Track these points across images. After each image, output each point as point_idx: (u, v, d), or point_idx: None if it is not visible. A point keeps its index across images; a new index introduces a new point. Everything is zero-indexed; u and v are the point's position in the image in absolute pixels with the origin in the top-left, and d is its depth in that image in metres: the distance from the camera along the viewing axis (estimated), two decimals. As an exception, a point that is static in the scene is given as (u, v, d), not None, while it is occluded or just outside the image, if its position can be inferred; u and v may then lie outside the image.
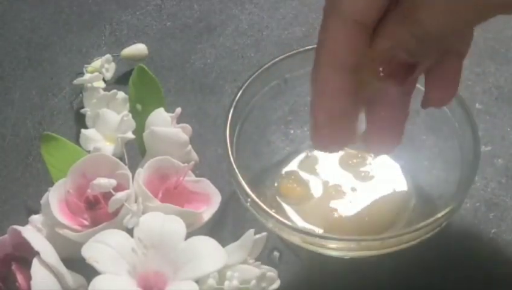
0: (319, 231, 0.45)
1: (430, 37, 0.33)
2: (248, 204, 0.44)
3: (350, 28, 0.34)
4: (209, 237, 0.40)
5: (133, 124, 0.48)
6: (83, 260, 0.38)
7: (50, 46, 0.60)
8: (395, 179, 0.49)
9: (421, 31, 0.33)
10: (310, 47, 0.49)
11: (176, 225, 0.41)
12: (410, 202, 0.48)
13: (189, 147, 0.47)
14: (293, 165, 0.50)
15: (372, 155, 0.50)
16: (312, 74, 0.35)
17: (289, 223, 0.43)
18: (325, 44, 0.35)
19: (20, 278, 0.40)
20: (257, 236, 0.41)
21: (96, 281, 0.38)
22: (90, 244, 0.39)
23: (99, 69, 0.56)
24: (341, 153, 0.50)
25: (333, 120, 0.36)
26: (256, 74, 0.48)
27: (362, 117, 0.38)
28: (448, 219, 0.43)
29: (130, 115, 0.48)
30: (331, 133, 0.36)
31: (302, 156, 0.50)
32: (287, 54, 0.48)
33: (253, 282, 0.39)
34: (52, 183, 0.44)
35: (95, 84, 0.54)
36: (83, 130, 0.50)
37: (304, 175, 0.49)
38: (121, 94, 0.51)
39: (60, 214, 0.42)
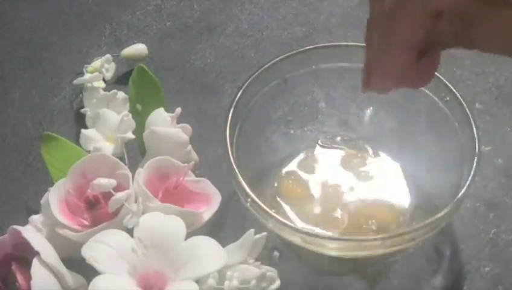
0: (319, 230, 0.45)
1: None
2: (248, 204, 0.44)
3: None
4: (209, 237, 0.40)
5: (133, 124, 0.48)
6: (83, 260, 0.38)
7: (50, 46, 0.60)
8: (395, 178, 0.49)
9: None
10: (310, 47, 0.49)
11: (176, 225, 0.41)
12: (410, 201, 0.48)
13: (189, 147, 0.47)
14: (293, 165, 0.50)
15: (372, 155, 0.50)
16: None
17: (289, 223, 0.43)
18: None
19: (20, 278, 0.40)
20: (257, 236, 0.41)
21: (96, 281, 0.38)
22: (90, 244, 0.39)
23: (99, 69, 0.56)
24: (341, 153, 0.50)
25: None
26: (256, 74, 0.48)
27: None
28: (448, 218, 0.43)
29: (130, 115, 0.48)
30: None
31: (302, 156, 0.50)
32: (287, 54, 0.48)
33: (253, 282, 0.39)
34: (52, 183, 0.44)
35: (95, 84, 0.54)
36: (83, 130, 0.50)
37: (304, 175, 0.49)
38: (121, 94, 0.51)
39: (60, 214, 0.42)
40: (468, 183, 0.44)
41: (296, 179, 0.49)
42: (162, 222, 0.41)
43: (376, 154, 0.50)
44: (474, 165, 0.44)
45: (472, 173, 0.44)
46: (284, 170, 0.50)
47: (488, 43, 0.37)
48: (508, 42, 0.36)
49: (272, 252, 0.46)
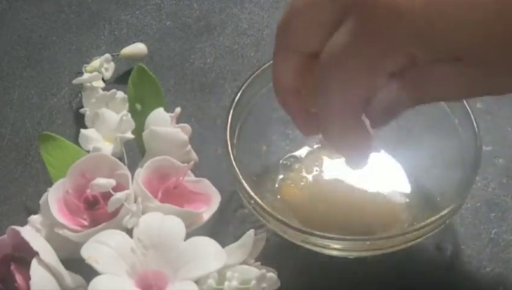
0: (320, 231, 0.45)
1: None
2: (249, 204, 0.44)
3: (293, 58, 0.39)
4: (209, 237, 0.40)
5: (132, 123, 0.48)
6: (82, 260, 0.38)
7: (49, 46, 0.60)
8: (395, 178, 0.49)
9: None
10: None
11: (175, 225, 0.41)
12: (411, 201, 0.48)
13: (189, 146, 0.47)
14: (293, 165, 0.50)
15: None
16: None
17: (290, 223, 0.43)
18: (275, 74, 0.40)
19: (19, 278, 0.40)
20: (257, 236, 0.41)
21: (96, 282, 0.38)
22: (90, 244, 0.39)
23: (98, 69, 0.56)
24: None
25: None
26: (256, 73, 0.48)
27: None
28: (449, 218, 0.43)
29: (130, 115, 0.48)
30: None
31: (302, 156, 0.50)
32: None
33: (253, 282, 0.39)
34: (51, 183, 0.44)
35: (94, 83, 0.54)
36: (82, 130, 0.50)
37: (304, 175, 0.49)
38: (120, 94, 0.51)
39: (59, 214, 0.42)
40: (469, 183, 0.44)
41: (296, 178, 0.49)
42: (161, 222, 0.41)
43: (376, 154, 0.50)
44: (475, 165, 0.44)
45: (473, 172, 0.44)
46: (284, 170, 0.49)
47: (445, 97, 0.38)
48: (462, 91, 0.36)
49: (272, 252, 0.46)
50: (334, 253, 0.43)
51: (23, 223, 0.43)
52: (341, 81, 0.36)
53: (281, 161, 0.50)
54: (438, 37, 0.33)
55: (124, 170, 0.43)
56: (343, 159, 0.50)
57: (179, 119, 0.48)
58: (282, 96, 0.41)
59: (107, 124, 0.49)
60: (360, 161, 0.40)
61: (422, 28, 0.33)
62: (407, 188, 0.48)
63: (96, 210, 0.42)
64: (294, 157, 0.50)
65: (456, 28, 0.33)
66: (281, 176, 0.49)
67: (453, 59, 0.34)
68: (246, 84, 0.47)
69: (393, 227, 0.46)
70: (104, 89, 0.53)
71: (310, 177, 0.49)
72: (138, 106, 0.49)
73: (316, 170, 0.49)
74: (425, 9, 0.33)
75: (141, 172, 0.43)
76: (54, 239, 0.41)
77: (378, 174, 0.49)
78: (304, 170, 0.49)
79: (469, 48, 0.33)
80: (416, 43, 0.34)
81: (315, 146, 0.50)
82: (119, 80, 0.57)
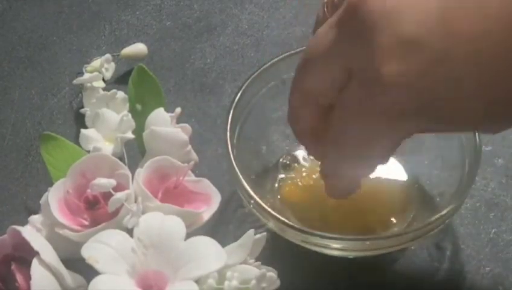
0: (320, 231, 0.45)
1: None
2: (249, 204, 0.44)
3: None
4: (209, 237, 0.40)
5: (132, 124, 0.48)
6: (82, 260, 0.38)
7: (49, 46, 0.60)
8: (396, 178, 0.49)
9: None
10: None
11: (175, 225, 0.41)
12: (410, 201, 0.48)
13: (189, 146, 0.47)
14: (293, 165, 0.50)
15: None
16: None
17: (290, 223, 0.43)
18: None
19: (19, 278, 0.40)
20: (257, 236, 0.41)
21: (96, 281, 0.38)
22: (90, 244, 0.39)
23: (98, 69, 0.56)
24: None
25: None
26: (256, 73, 0.48)
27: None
28: (448, 218, 0.43)
29: (130, 115, 0.48)
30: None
31: (302, 156, 0.50)
32: (287, 54, 0.48)
33: (253, 282, 0.39)
34: (51, 183, 0.44)
35: (95, 84, 0.54)
36: (82, 130, 0.50)
37: (304, 175, 0.49)
38: (120, 94, 0.51)
39: (59, 214, 0.42)
40: (468, 183, 0.44)
41: (296, 178, 0.49)
42: (161, 222, 0.41)
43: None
44: (475, 165, 0.44)
45: (473, 172, 0.44)
46: (284, 170, 0.50)
47: None
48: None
49: (272, 252, 0.46)
50: (334, 253, 0.43)
51: (24, 223, 0.43)
52: (351, 142, 0.37)
53: (280, 161, 0.50)
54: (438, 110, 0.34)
55: (124, 170, 0.43)
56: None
57: (179, 119, 0.48)
58: (299, 135, 0.42)
59: (107, 124, 0.49)
60: (343, 194, 0.43)
61: (422, 100, 0.34)
62: (407, 188, 0.48)
63: (97, 210, 0.42)
64: (294, 157, 0.50)
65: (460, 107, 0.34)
66: (280, 176, 0.49)
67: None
68: (246, 84, 0.47)
69: (393, 227, 0.46)
70: (104, 89, 0.53)
71: (309, 177, 0.49)
72: (138, 106, 0.49)
73: (316, 170, 0.49)
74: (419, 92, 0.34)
75: (141, 172, 0.43)
76: (54, 239, 0.41)
77: (378, 174, 0.49)
78: (303, 170, 0.49)
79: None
80: (417, 118, 0.35)
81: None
82: (120, 80, 0.57)
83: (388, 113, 0.35)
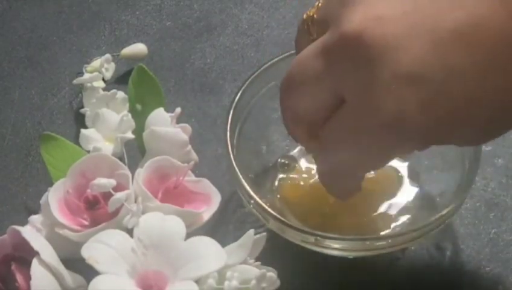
0: (320, 231, 0.45)
1: None
2: (249, 204, 0.44)
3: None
4: (209, 237, 0.40)
5: (132, 124, 0.48)
6: (82, 260, 0.38)
7: (49, 46, 0.60)
8: (396, 178, 0.49)
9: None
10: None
11: (175, 225, 0.41)
12: (410, 201, 0.48)
13: (189, 147, 0.47)
14: (293, 165, 0.50)
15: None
16: None
17: (290, 223, 0.43)
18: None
19: (19, 278, 0.40)
20: (257, 236, 0.41)
21: (96, 281, 0.38)
22: (90, 244, 0.39)
23: (98, 69, 0.56)
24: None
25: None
26: (256, 73, 0.48)
27: None
28: (448, 218, 0.43)
29: (130, 115, 0.48)
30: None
31: (302, 155, 0.50)
32: (287, 54, 0.48)
33: (253, 282, 0.39)
34: (51, 183, 0.44)
35: (95, 84, 0.54)
36: (82, 130, 0.50)
37: (304, 175, 0.49)
38: (120, 94, 0.51)
39: (59, 214, 0.42)
40: (468, 183, 0.44)
41: (296, 178, 0.49)
42: (161, 222, 0.41)
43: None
44: (475, 164, 0.44)
45: (473, 172, 0.44)
46: (284, 170, 0.50)
47: None
48: None
49: (272, 252, 0.46)
50: (334, 253, 0.43)
51: (24, 223, 0.43)
52: (342, 160, 0.39)
53: (280, 160, 0.50)
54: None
55: (124, 170, 0.43)
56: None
57: (179, 119, 0.48)
58: (299, 142, 0.43)
59: (107, 124, 0.49)
60: (346, 196, 0.43)
61: (417, 132, 0.35)
62: (407, 188, 0.48)
63: (97, 210, 0.42)
64: (294, 156, 0.50)
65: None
66: (280, 176, 0.49)
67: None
68: (246, 84, 0.47)
69: (393, 227, 0.46)
70: (104, 89, 0.53)
71: (309, 176, 0.49)
72: (138, 106, 0.49)
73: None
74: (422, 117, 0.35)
75: (141, 172, 0.43)
76: (54, 239, 0.41)
77: (379, 174, 0.49)
78: (303, 170, 0.49)
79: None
80: (411, 146, 0.37)
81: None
82: (120, 80, 0.57)
83: (382, 143, 0.36)
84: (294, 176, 0.49)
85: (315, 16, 0.39)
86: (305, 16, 0.41)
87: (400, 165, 0.49)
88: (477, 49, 0.33)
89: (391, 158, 0.39)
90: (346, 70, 0.35)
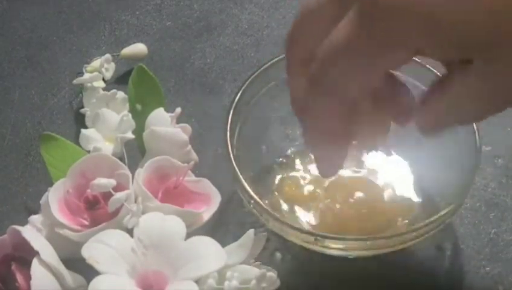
0: (320, 230, 0.45)
1: None
2: (249, 204, 0.44)
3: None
4: (209, 237, 0.40)
5: (132, 124, 0.48)
6: (82, 260, 0.38)
7: (50, 46, 0.60)
8: (396, 177, 0.49)
9: None
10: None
11: (175, 225, 0.41)
12: (410, 201, 0.48)
13: (189, 147, 0.47)
14: (293, 165, 0.50)
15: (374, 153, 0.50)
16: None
17: (290, 223, 0.43)
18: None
19: (19, 278, 0.40)
20: (257, 236, 0.41)
21: (96, 281, 0.38)
22: (90, 244, 0.39)
23: (98, 69, 0.56)
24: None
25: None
26: (256, 73, 0.48)
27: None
28: (448, 218, 0.43)
29: (130, 115, 0.48)
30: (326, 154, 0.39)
31: (302, 155, 0.50)
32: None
33: (253, 282, 0.39)
34: (51, 183, 0.44)
35: (95, 84, 0.54)
36: (82, 130, 0.50)
37: (305, 174, 0.49)
38: (120, 94, 0.51)
39: (59, 214, 0.42)
40: (468, 183, 0.44)
41: (297, 178, 0.49)
42: (161, 222, 0.41)
43: (378, 153, 0.50)
44: (475, 164, 0.44)
45: (473, 172, 0.44)
46: (284, 170, 0.50)
47: None
48: None
49: (272, 252, 0.46)
50: (334, 253, 0.43)
51: (24, 223, 0.43)
52: (335, 77, 0.34)
53: (280, 160, 0.50)
54: (446, 31, 0.32)
55: (125, 170, 0.43)
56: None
57: (179, 119, 0.48)
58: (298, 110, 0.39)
59: (107, 124, 0.50)
60: (330, 170, 0.40)
61: (428, 21, 0.32)
62: (407, 188, 0.48)
63: (97, 210, 0.42)
64: (294, 156, 0.50)
65: (465, 21, 0.31)
66: (280, 176, 0.49)
67: (465, 62, 0.33)
68: (246, 84, 0.47)
69: (393, 227, 0.46)
70: (104, 89, 0.53)
71: (310, 176, 0.49)
72: (138, 106, 0.49)
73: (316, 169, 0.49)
74: (433, 1, 0.31)
75: (141, 172, 0.43)
76: (54, 239, 0.41)
77: (379, 174, 0.49)
78: (304, 170, 0.49)
79: (479, 41, 0.32)
80: (422, 39, 0.32)
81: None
82: (120, 80, 0.57)
83: (382, 39, 0.33)
84: (294, 175, 0.49)
85: None
86: None
87: (400, 167, 0.49)
88: None
89: (378, 71, 0.34)
90: None
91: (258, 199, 0.43)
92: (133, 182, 0.43)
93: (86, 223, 0.43)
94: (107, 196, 0.41)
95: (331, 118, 0.36)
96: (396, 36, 0.33)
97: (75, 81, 0.54)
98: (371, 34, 0.33)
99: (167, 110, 0.48)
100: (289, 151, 0.50)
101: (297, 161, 0.50)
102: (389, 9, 0.32)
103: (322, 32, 0.35)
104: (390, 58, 0.34)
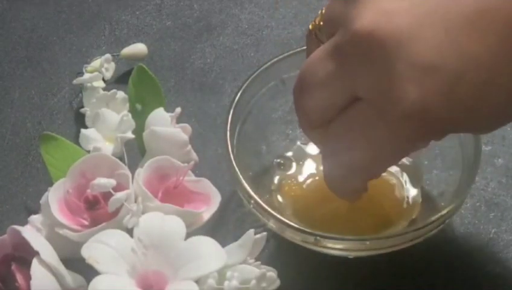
0: (320, 230, 0.45)
1: None
2: (249, 204, 0.44)
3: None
4: (209, 237, 0.40)
5: (132, 123, 0.48)
6: (82, 260, 0.38)
7: (49, 46, 0.60)
8: (396, 178, 0.49)
9: None
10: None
11: (175, 225, 0.41)
12: (410, 201, 0.48)
13: (189, 146, 0.47)
14: (293, 165, 0.50)
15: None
16: None
17: (290, 223, 0.43)
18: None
19: (19, 278, 0.40)
20: (257, 236, 0.41)
21: (96, 281, 0.38)
22: (90, 244, 0.39)
23: (98, 69, 0.56)
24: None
25: None
26: (256, 73, 0.48)
27: None
28: (449, 218, 0.43)
29: (130, 115, 0.48)
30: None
31: (302, 155, 0.50)
32: (287, 54, 0.48)
33: (253, 282, 0.39)
34: (51, 183, 0.44)
35: (95, 83, 0.54)
36: (82, 130, 0.50)
37: (305, 174, 0.49)
38: (120, 94, 0.51)
39: (59, 214, 0.42)
40: (469, 182, 0.44)
41: (297, 178, 0.49)
42: (161, 222, 0.41)
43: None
44: (475, 164, 0.44)
45: (473, 172, 0.44)
46: (284, 170, 0.50)
47: None
48: None
49: (272, 252, 0.46)
50: (334, 253, 0.43)
51: (24, 223, 0.43)
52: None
53: (280, 160, 0.50)
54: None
55: (125, 170, 0.43)
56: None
57: (179, 119, 0.48)
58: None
59: (107, 124, 0.49)
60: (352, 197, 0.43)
61: (438, 121, 0.35)
62: (407, 188, 0.48)
63: (97, 210, 0.42)
64: (294, 156, 0.50)
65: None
66: (280, 176, 0.49)
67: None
68: (246, 84, 0.47)
69: (393, 227, 0.46)
70: (104, 89, 0.53)
71: (310, 176, 0.49)
72: (138, 106, 0.49)
73: (317, 170, 0.49)
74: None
75: (141, 172, 0.43)
76: (54, 239, 0.41)
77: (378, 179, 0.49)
78: (303, 169, 0.49)
79: None
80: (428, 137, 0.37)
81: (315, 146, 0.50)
82: (120, 80, 0.57)
83: (399, 135, 0.36)
84: (294, 175, 0.49)
85: (321, 23, 0.40)
86: (311, 26, 0.41)
87: (401, 165, 0.49)
88: (489, 34, 0.33)
89: (405, 154, 0.38)
90: (361, 68, 0.35)
91: (258, 199, 0.43)
92: (133, 182, 0.43)
93: (86, 223, 0.43)
94: (107, 196, 0.41)
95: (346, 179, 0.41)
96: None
97: (75, 81, 0.54)
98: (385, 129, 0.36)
99: (167, 110, 0.48)
100: (289, 151, 0.50)
101: (297, 160, 0.50)
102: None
103: (330, 109, 0.38)
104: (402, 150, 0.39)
